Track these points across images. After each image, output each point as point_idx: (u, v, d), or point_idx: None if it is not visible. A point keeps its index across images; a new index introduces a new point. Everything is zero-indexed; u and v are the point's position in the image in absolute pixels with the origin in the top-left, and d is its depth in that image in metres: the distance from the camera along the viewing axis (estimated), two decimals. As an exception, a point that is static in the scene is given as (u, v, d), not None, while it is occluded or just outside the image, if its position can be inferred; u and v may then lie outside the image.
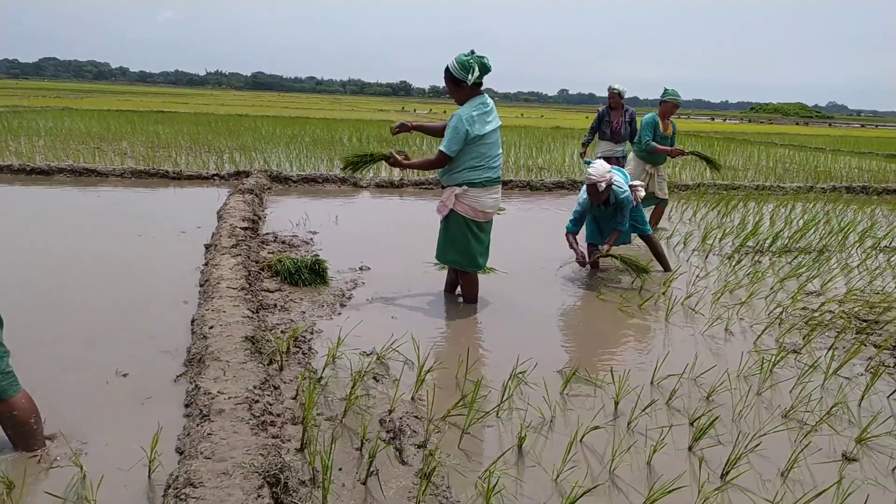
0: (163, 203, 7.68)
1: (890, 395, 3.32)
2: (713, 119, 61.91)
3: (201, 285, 4.33)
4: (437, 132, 4.36)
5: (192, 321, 3.65)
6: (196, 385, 2.80)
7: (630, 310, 4.52)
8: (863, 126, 61.06)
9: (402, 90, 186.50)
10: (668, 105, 6.82)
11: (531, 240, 6.63)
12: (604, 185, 4.86)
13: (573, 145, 16.91)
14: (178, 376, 3.12)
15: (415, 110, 45.47)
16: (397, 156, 4.28)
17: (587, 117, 46.02)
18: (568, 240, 5.20)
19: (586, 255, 5.21)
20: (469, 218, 4.20)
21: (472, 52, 3.95)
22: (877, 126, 63.61)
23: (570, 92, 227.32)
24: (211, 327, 3.32)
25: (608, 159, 8.11)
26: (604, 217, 5.30)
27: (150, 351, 3.43)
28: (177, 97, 48.40)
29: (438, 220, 4.37)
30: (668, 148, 6.79)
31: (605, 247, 5.18)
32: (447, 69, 3.98)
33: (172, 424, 2.67)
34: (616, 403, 3.09)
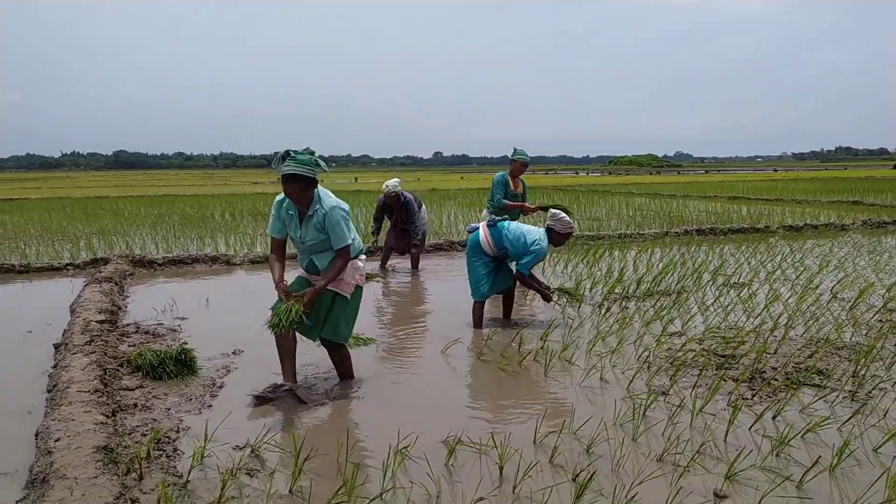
0: (7, 300, 6.99)
1: (750, 426, 3.53)
2: (577, 173, 66.05)
3: (49, 391, 3.92)
4: (282, 265, 4.01)
5: (37, 434, 3.27)
6: (37, 511, 2.48)
7: (511, 367, 4.57)
8: (707, 172, 67.37)
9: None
10: (517, 164, 7.02)
11: (410, 305, 6.62)
12: None
13: (449, 207, 17.34)
14: (17, 502, 2.76)
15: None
16: (299, 293, 3.91)
17: (462, 178, 47.61)
18: (535, 283, 5.76)
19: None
20: (362, 286, 4.22)
21: (307, 149, 3.78)
22: (719, 171, 70.36)
23: (444, 154, 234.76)
24: (57, 440, 2.99)
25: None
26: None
27: (-15, 475, 3.02)
28: (28, 182, 45.12)
29: (351, 290, 4.13)
30: (518, 203, 7.02)
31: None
32: (297, 176, 3.67)
33: (9, 561, 2.34)
34: (500, 468, 3.06)
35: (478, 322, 5.67)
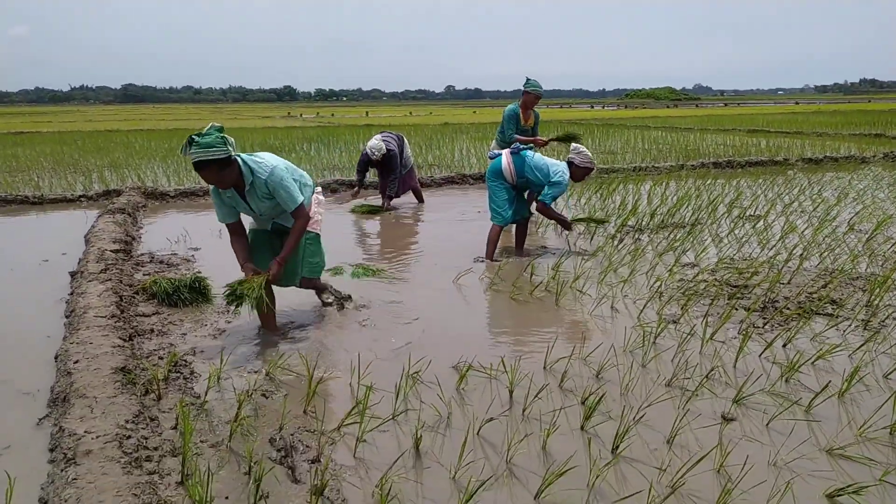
0: (23, 231, 7.06)
1: (760, 353, 3.54)
2: (592, 107, 64.66)
3: (67, 317, 4.00)
4: (244, 247, 3.86)
5: (56, 357, 3.35)
6: (60, 427, 2.56)
7: (522, 297, 4.59)
8: (726, 105, 65.76)
9: (286, 95, 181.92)
10: (530, 96, 6.74)
11: (421, 237, 6.62)
12: None
13: (462, 140, 17.12)
14: (40, 419, 2.85)
15: (301, 115, 44.53)
16: (264, 271, 3.77)
17: (475, 112, 46.83)
18: (555, 213, 5.71)
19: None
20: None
21: (212, 126, 3.49)
22: (738, 104, 68.62)
23: (456, 88, 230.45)
24: (76, 361, 3.06)
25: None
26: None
27: (9, 394, 3.13)
28: (38, 116, 44.86)
29: (321, 226, 4.15)
30: (528, 138, 6.81)
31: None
32: (206, 162, 3.36)
33: (37, 473, 2.43)
34: (510, 392, 3.11)
35: (491, 248, 5.63)
